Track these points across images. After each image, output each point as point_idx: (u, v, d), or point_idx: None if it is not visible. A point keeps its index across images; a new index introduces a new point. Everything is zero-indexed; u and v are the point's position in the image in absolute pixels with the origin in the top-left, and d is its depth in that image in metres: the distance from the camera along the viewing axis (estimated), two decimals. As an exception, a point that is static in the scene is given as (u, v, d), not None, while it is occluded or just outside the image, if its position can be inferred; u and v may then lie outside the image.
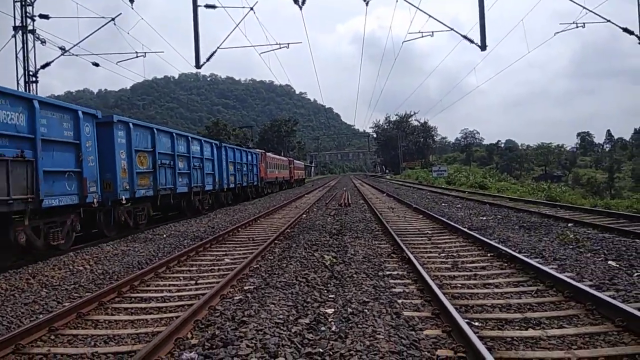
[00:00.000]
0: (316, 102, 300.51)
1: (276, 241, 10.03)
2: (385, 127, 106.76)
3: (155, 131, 14.18)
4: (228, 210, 19.19)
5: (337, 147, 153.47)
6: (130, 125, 12.90)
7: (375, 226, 11.99)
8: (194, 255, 8.90)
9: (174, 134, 15.48)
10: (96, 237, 11.70)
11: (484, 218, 12.87)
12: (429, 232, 10.66)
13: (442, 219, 12.20)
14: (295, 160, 55.64)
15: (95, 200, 10.90)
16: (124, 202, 12.26)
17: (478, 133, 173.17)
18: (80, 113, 10.61)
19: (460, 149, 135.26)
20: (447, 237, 9.93)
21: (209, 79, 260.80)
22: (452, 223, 11.25)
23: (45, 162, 9.49)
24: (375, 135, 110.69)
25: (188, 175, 16.19)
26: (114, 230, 12.31)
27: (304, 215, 15.35)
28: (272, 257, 8.31)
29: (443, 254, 8.20)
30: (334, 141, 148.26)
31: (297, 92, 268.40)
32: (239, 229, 12.39)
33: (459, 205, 17.06)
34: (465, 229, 10.18)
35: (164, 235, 11.87)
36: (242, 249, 9.60)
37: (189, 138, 16.52)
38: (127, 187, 12.64)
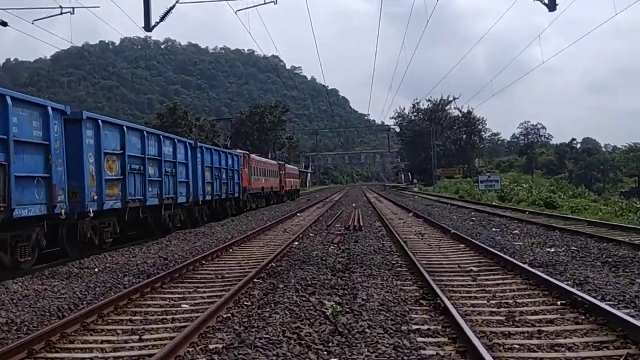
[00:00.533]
0: (315, 81, 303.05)
1: (256, 280, 10.02)
2: (413, 118, 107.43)
3: (126, 129, 15.39)
4: (188, 234, 19.24)
5: (343, 145, 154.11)
6: (100, 123, 14.03)
7: (398, 260, 12.00)
8: (139, 299, 8.89)
9: (145, 133, 16.78)
10: (54, 257, 12.61)
11: (552, 250, 12.91)
12: (474, 269, 10.67)
13: (492, 250, 12.24)
14: (287, 165, 56.71)
15: (63, 211, 12.08)
16: (91, 215, 13.31)
17: (544, 128, 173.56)
18: (50, 109, 11.73)
19: (518, 151, 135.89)
20: (499, 276, 9.94)
21: (163, 47, 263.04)
22: (507, 257, 11.28)
23: (17, 166, 10.55)
24: (398, 130, 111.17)
25: (159, 184, 17.69)
26: (77, 249, 13.38)
27: (297, 243, 15.40)
28: (249, 304, 8.29)
29: (494, 301, 8.18)
30: (339, 137, 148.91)
31: (289, 68, 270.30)
32: (204, 262, 12.40)
33: (517, 232, 17.11)
34: (526, 266, 10.19)
35: (96, 270, 11.86)
36: (207, 290, 9.59)
37: (161, 137, 17.98)
38: (96, 197, 13.75)
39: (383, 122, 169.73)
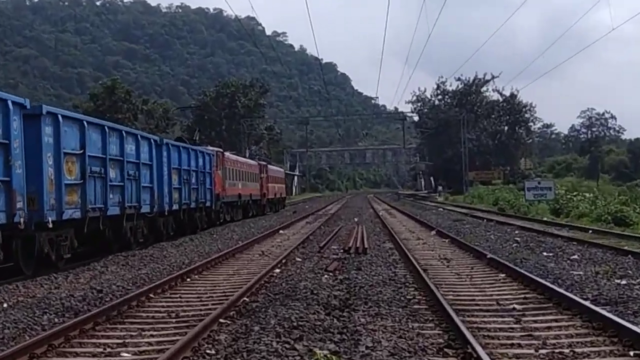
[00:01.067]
0: (304, 52, 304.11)
1: (223, 320, 10.01)
2: (437, 102, 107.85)
3: (86, 124, 16.82)
4: (131, 258, 19.19)
5: (342, 139, 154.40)
6: (60, 117, 15.24)
7: (414, 293, 12.04)
8: (63, 345, 8.85)
9: (106, 128, 18.22)
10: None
11: (624, 282, 12.97)
12: (517, 307, 10.71)
13: (542, 282, 12.32)
14: (270, 165, 58.02)
15: (22, 220, 13.27)
16: (50, 225, 14.57)
17: (613, 118, 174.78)
18: (10, 103, 12.92)
19: (578, 148, 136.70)
20: (551, 317, 9.98)
21: (99, 4, 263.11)
22: (562, 290, 11.34)
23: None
24: (416, 118, 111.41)
25: (121, 189, 19.44)
26: (32, 267, 14.53)
27: (278, 270, 15.42)
28: (213, 352, 8.28)
29: (544, 351, 8.20)
30: (337, 128, 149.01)
31: (269, 33, 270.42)
32: (152, 295, 12.36)
33: (576, 257, 17.20)
34: (587, 303, 10.25)
35: (4, 305, 11.80)
36: (155, 333, 9.57)
37: (123, 133, 19.66)
38: (55, 204, 14.90)
39: (396, 108, 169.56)
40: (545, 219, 35.07)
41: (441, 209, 51.13)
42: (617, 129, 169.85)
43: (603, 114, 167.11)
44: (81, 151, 16.35)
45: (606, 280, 13.29)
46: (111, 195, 18.21)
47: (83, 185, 16.38)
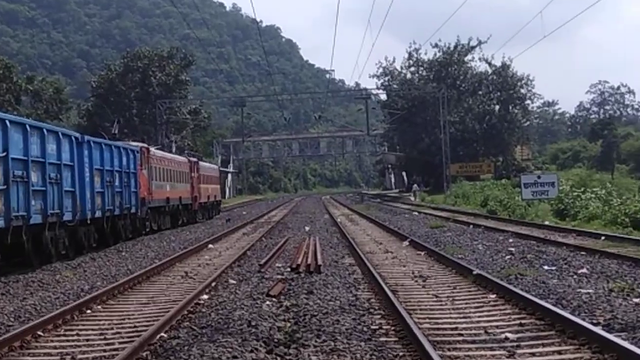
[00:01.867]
0: (238, 12, 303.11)
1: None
2: (409, 75, 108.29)
3: (8, 124, 18.68)
4: (14, 283, 18.92)
5: (289, 124, 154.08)
6: None
7: (381, 323, 12.10)
8: None
9: (27, 126, 20.33)
10: None
11: (643, 301, 13.15)
12: (510, 335, 10.80)
13: (542, 303, 12.41)
14: (202, 162, 59.64)
15: None
16: None
17: (630, 93, 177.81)
18: None
19: (588, 132, 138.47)
20: (553, 347, 10.09)
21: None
22: (567, 314, 11.44)
23: None
24: (384, 97, 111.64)
25: (43, 195, 21.44)
26: None
27: (206, 297, 15.41)
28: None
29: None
30: (282, 110, 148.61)
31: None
32: (40, 333, 12.17)
33: (585, 271, 17.43)
34: (598, 329, 10.37)
35: None
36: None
37: (44, 131, 21.82)
38: None
39: (357, 84, 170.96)
40: (546, 223, 35.42)
41: (416, 213, 51.40)
42: (637, 106, 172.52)
43: (618, 87, 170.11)
44: (4, 154, 17.82)
45: (622, 299, 13.44)
46: (33, 202, 20.09)
47: (6, 191, 18.03)
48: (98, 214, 27.36)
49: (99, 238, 28.49)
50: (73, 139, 24.89)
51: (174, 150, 66.82)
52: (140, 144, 39.65)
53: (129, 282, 17.91)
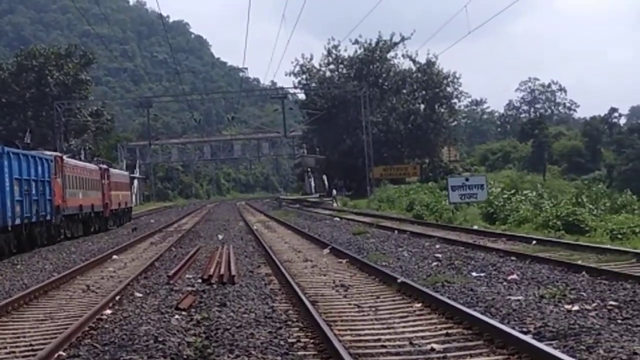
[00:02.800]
0: (143, 7, 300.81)
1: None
2: (329, 73, 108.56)
3: None
4: None
5: (200, 126, 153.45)
6: None
7: (298, 335, 12.11)
8: None
9: None
10: None
11: (575, 308, 13.37)
12: (436, 346, 10.86)
13: (470, 312, 12.54)
14: (112, 169, 62.63)
15: None
16: None
17: (562, 91, 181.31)
18: None
19: (518, 132, 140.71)
20: (480, 358, 10.16)
21: None
22: (495, 322, 11.61)
23: None
24: (302, 96, 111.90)
25: None
26: None
27: (109, 311, 15.20)
28: None
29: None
30: (192, 111, 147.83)
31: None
32: None
33: (515, 277, 17.67)
34: (528, 338, 10.50)
35: None
36: None
37: None
38: None
39: (273, 83, 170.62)
40: (475, 227, 35.83)
41: (337, 219, 51.61)
42: (568, 104, 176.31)
43: (549, 85, 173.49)
44: None
45: (553, 306, 13.67)
46: None
47: None
48: (17, 221, 30.57)
49: (17, 244, 31.44)
50: None
51: (83, 157, 67.60)
52: (54, 153, 42.78)
53: (24, 297, 17.62)
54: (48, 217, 36.45)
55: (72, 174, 44.15)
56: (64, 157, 44.65)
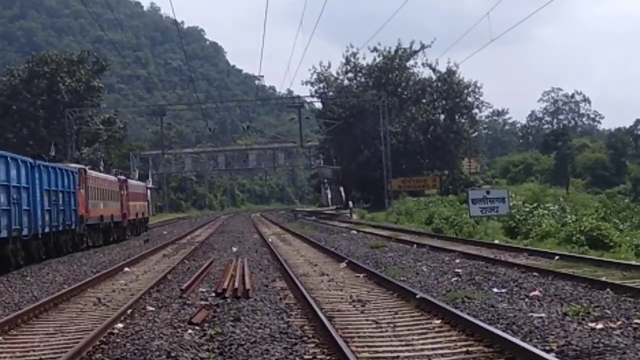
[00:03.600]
0: (157, 12, 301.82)
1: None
2: (346, 81, 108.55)
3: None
4: None
5: (215, 136, 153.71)
6: None
7: (314, 352, 12.16)
8: None
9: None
10: None
11: (599, 326, 13.31)
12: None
13: (491, 329, 12.54)
14: (130, 180, 66.19)
15: None
16: None
17: (586, 101, 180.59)
18: None
19: (541, 143, 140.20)
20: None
21: None
22: (517, 340, 11.57)
23: None
24: (319, 105, 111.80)
25: (8, 213, 29.11)
26: None
27: (121, 325, 15.21)
28: None
29: None
30: (206, 119, 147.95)
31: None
32: None
33: (537, 293, 17.62)
34: (551, 356, 10.50)
35: None
36: None
37: (8, 159, 29.85)
38: None
39: (290, 91, 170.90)
40: (496, 241, 35.71)
41: (355, 232, 51.51)
42: (592, 115, 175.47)
43: (573, 95, 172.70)
44: None
45: (577, 324, 13.63)
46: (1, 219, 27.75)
47: None
48: (47, 229, 34.92)
49: (45, 251, 35.23)
50: (28, 164, 32.22)
51: (102, 167, 70.55)
52: (78, 166, 46.42)
53: (34, 309, 17.66)
54: (73, 226, 40.35)
55: (94, 185, 47.59)
56: (87, 169, 47.80)
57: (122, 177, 61.10)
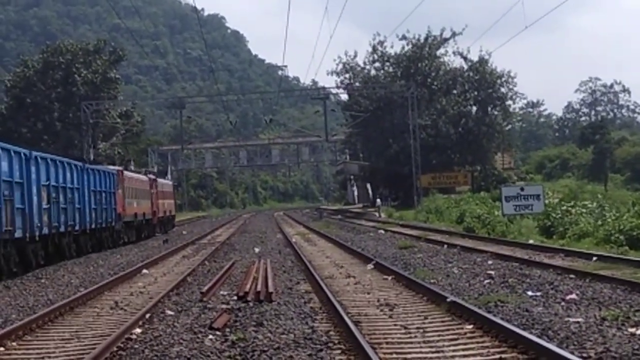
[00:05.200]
0: (177, 0, 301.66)
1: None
2: (373, 71, 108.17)
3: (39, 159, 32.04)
4: None
5: (236, 130, 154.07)
6: None
7: (340, 359, 12.25)
8: None
9: (56, 161, 35.27)
10: None
11: (637, 331, 13.22)
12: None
13: (524, 334, 12.49)
14: (159, 179, 72.92)
15: None
16: None
17: (625, 92, 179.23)
18: None
19: (578, 137, 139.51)
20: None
21: None
22: (553, 347, 11.51)
23: None
24: (345, 97, 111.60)
25: (79, 210, 38.29)
26: None
27: (139, 330, 15.28)
28: None
29: None
30: (227, 112, 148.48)
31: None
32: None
33: (574, 296, 17.58)
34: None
35: None
36: None
37: (65, 163, 36.32)
38: None
39: (314, 82, 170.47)
40: (531, 241, 35.54)
41: (382, 232, 51.48)
42: (632, 107, 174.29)
43: (612, 85, 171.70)
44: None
45: (616, 329, 13.57)
46: (65, 216, 35.56)
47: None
48: (93, 225, 41.09)
49: (91, 245, 41.24)
50: (79, 167, 38.58)
51: (132, 167, 76.39)
52: (117, 168, 53.27)
53: (49, 313, 17.76)
54: (113, 224, 46.11)
55: (129, 185, 52.49)
56: (125, 171, 53.50)
57: (152, 176, 66.57)
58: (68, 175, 35.97)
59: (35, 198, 30.28)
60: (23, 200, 28.96)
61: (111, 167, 52.15)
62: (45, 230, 31.91)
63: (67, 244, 36.09)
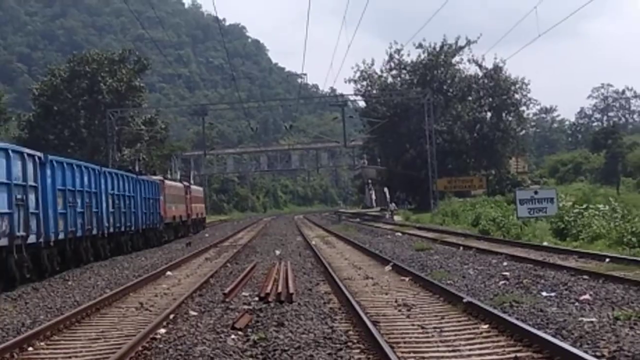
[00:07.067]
0: (199, 10, 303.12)
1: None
2: (390, 79, 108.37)
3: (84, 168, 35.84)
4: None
5: (257, 136, 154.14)
6: None
7: (360, 358, 12.22)
8: None
9: (107, 172, 40.65)
10: None
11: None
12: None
13: (539, 333, 12.49)
14: (192, 186, 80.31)
15: None
16: None
17: (637, 97, 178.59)
18: None
19: (591, 142, 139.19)
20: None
21: None
22: (567, 346, 11.52)
23: None
24: (362, 103, 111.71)
25: (134, 214, 45.14)
26: None
27: (163, 330, 15.30)
28: None
29: None
30: (248, 119, 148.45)
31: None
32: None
33: (587, 297, 17.51)
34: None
35: None
36: None
37: (122, 175, 43.53)
38: None
39: (333, 90, 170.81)
40: (545, 243, 35.41)
41: (399, 234, 51.43)
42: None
43: (623, 91, 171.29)
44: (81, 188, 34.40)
45: (629, 328, 13.54)
46: (112, 219, 39.42)
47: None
48: (143, 226, 47.59)
49: (142, 242, 47.62)
50: (132, 178, 45.42)
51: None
52: (159, 177, 61.14)
53: (76, 314, 17.82)
54: (157, 225, 52.53)
55: (169, 192, 58.69)
56: (165, 180, 60.69)
57: (186, 184, 74.15)
58: (125, 185, 42.70)
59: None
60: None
61: (154, 177, 59.07)
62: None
63: (125, 241, 42.68)
